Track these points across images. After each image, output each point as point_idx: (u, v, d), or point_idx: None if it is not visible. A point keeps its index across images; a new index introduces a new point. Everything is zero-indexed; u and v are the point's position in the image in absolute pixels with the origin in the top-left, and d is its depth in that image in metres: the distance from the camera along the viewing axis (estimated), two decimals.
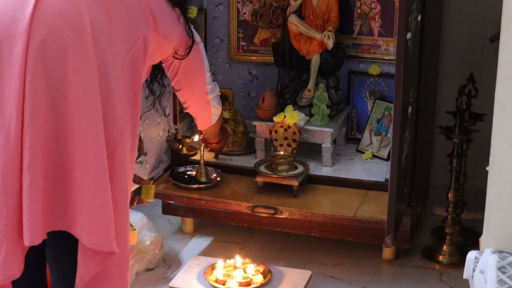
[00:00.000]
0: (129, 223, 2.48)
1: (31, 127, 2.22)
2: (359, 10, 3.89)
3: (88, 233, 2.27)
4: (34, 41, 2.22)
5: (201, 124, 3.33)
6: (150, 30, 2.49)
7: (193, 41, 2.71)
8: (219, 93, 3.20)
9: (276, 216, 3.49)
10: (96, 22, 2.29)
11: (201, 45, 2.90)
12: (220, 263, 3.36)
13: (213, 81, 3.12)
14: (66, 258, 2.41)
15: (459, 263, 3.56)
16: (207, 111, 3.19)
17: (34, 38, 2.22)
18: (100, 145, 2.27)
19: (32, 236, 2.25)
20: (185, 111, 3.24)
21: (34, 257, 2.51)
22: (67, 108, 2.24)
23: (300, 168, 3.62)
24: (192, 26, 2.72)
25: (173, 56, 2.70)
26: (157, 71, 2.81)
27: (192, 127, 4.07)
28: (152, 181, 3.00)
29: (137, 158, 3.59)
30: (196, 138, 3.75)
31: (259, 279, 3.29)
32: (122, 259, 2.41)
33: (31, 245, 2.28)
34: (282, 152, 3.64)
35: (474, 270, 2.17)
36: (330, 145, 3.71)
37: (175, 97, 3.83)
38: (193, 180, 3.67)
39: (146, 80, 2.77)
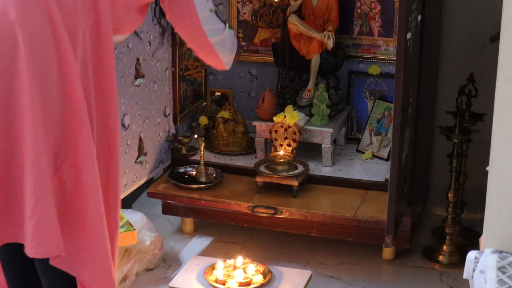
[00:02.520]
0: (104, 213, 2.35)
1: None
2: (359, 10, 3.89)
3: (31, 242, 2.20)
4: None
5: (215, 67, 2.85)
6: None
7: None
8: (236, 39, 2.79)
9: (276, 216, 3.49)
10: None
11: None
12: (220, 263, 3.36)
13: (222, 22, 2.69)
14: (60, 280, 2.38)
15: (459, 263, 3.56)
16: (214, 57, 2.73)
17: None
18: (42, 148, 2.18)
19: None
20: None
21: (27, 268, 2.49)
22: (19, 106, 2.18)
23: (300, 168, 3.62)
24: None
25: None
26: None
27: (192, 127, 4.07)
28: None
29: (137, 158, 3.59)
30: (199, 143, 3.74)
31: (259, 279, 3.29)
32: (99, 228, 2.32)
33: None
34: (282, 152, 3.64)
35: (474, 270, 2.17)
36: (330, 145, 3.71)
37: (174, 97, 3.84)
38: (193, 180, 3.67)
39: (155, 15, 2.60)
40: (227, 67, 2.78)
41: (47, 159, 2.20)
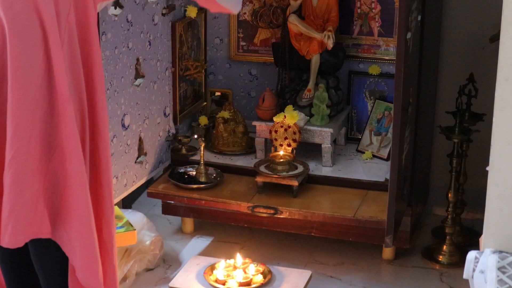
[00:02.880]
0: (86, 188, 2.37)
1: None
2: (359, 10, 3.89)
3: (10, 235, 2.25)
4: None
5: (224, 12, 2.76)
6: None
7: None
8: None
9: (276, 216, 3.49)
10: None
11: None
12: (220, 263, 3.36)
13: None
14: (51, 264, 2.39)
15: (459, 263, 3.56)
16: (217, 5, 2.62)
17: None
18: (24, 142, 2.21)
19: None
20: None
21: (22, 263, 2.50)
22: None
23: (300, 168, 3.62)
24: None
25: None
26: None
27: (192, 127, 4.07)
28: None
29: (137, 158, 3.59)
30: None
31: (259, 279, 3.29)
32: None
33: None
34: (282, 152, 3.64)
35: (474, 270, 2.17)
36: (330, 145, 3.71)
37: (174, 97, 3.84)
38: (193, 180, 3.67)
39: None
40: (235, 12, 2.68)
41: (34, 150, 2.21)
